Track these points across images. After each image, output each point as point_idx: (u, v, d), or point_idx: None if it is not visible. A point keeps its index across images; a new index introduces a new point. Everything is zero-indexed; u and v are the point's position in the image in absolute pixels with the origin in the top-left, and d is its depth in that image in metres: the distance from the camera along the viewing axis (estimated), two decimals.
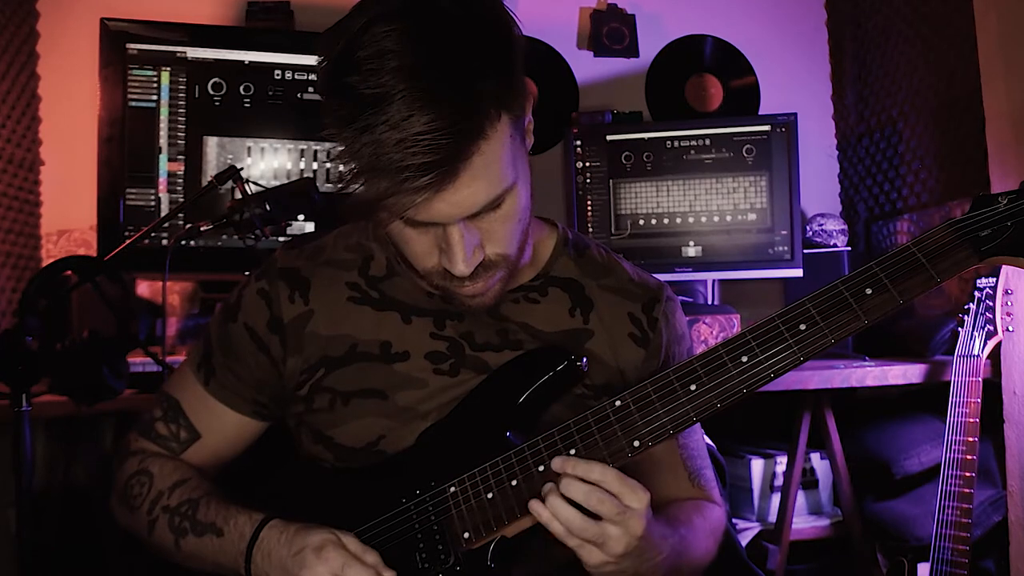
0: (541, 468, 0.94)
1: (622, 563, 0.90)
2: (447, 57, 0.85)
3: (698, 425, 1.06)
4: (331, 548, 0.92)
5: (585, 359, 1.01)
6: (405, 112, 0.83)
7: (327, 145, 2.04)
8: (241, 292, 1.12)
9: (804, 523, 2.13)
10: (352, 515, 1.00)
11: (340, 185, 0.90)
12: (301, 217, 2.00)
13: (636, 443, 0.92)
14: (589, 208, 2.26)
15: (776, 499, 2.15)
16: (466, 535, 0.96)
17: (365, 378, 1.05)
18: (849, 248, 2.23)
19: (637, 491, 0.89)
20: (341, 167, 0.89)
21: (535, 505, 0.90)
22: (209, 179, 1.67)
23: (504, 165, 0.91)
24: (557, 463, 0.91)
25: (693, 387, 0.91)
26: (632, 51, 2.53)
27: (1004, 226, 0.87)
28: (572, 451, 0.93)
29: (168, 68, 1.96)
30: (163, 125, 1.96)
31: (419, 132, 0.82)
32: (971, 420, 1.73)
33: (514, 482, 0.94)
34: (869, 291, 0.88)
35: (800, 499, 2.15)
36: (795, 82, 2.61)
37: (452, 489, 0.97)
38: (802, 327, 0.89)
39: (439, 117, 0.83)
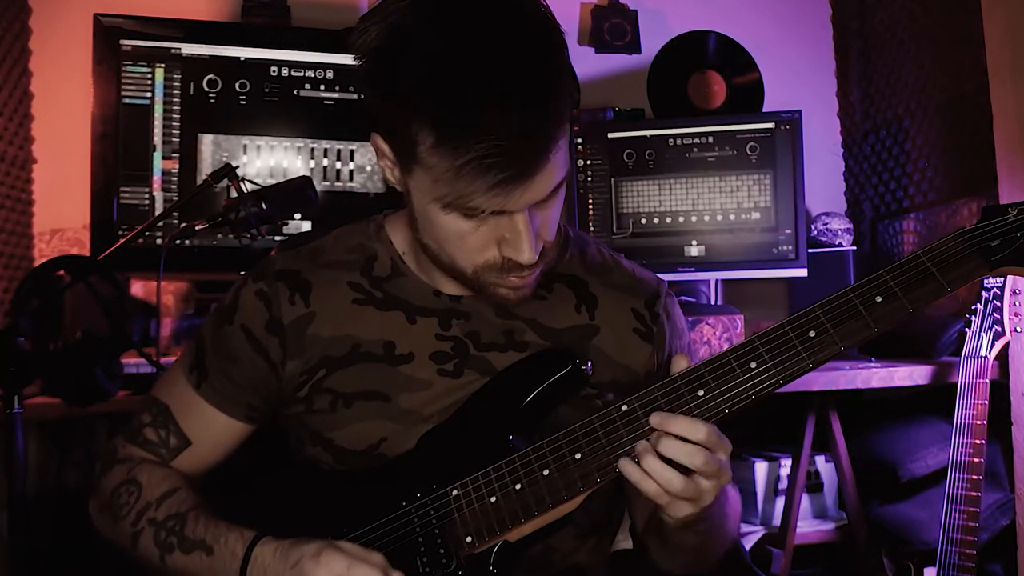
0: (546, 472, 0.93)
1: (704, 512, 0.93)
2: (526, 52, 0.86)
3: None
4: (330, 551, 0.91)
5: (590, 363, 1.01)
6: (502, 113, 0.84)
7: (324, 143, 2.03)
8: (237, 293, 1.10)
9: (809, 527, 2.12)
10: (352, 518, 1.00)
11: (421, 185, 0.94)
12: (298, 216, 1.99)
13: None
14: (590, 207, 2.24)
15: (780, 503, 2.14)
16: (468, 539, 0.96)
17: (367, 379, 1.04)
18: (855, 248, 2.22)
19: (724, 441, 0.91)
20: (399, 169, 0.94)
21: (626, 464, 0.90)
22: (204, 177, 1.67)
23: (568, 151, 0.93)
24: (656, 419, 0.90)
25: (701, 392, 0.91)
26: (634, 47, 2.52)
27: (1014, 237, 0.88)
28: (578, 455, 0.93)
29: (163, 64, 1.95)
30: (157, 122, 1.95)
31: (510, 132, 0.84)
32: (978, 422, 1.72)
33: (518, 486, 0.94)
34: (879, 299, 0.89)
35: (805, 502, 2.14)
36: (799, 79, 2.59)
37: (454, 492, 0.97)
38: (812, 334, 0.90)
39: (529, 117, 0.85)
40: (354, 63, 0.91)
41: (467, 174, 0.86)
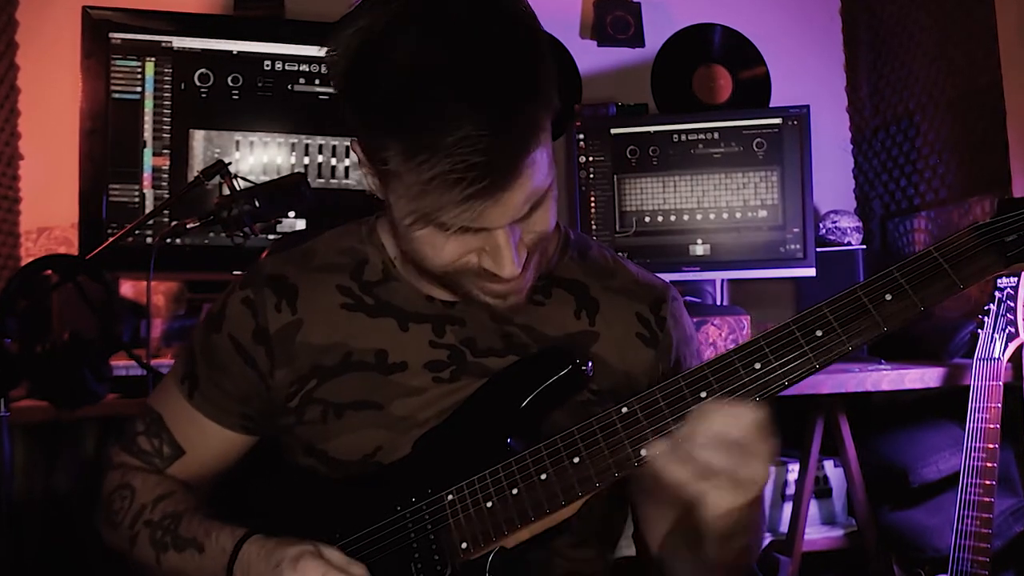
0: (543, 476, 0.91)
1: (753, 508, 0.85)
2: (495, 62, 0.83)
3: None
4: (308, 559, 0.89)
5: (591, 363, 0.99)
6: (468, 126, 0.81)
7: (319, 139, 2.02)
8: (225, 301, 1.09)
9: (817, 533, 2.12)
10: (345, 523, 0.98)
11: (376, 193, 0.96)
12: (292, 214, 1.99)
13: (643, 452, 0.89)
14: (592, 205, 2.22)
15: (788, 508, 2.13)
16: (464, 545, 0.94)
17: (360, 389, 1.02)
18: (864, 246, 2.21)
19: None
20: (377, 178, 0.92)
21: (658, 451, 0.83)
22: (196, 174, 1.66)
23: (549, 162, 0.90)
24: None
25: (703, 394, 0.88)
26: (637, 40, 2.50)
27: None
28: (576, 459, 0.90)
29: (153, 58, 1.95)
30: (148, 118, 1.94)
31: (476, 146, 0.81)
32: (991, 426, 1.70)
33: (515, 491, 0.92)
34: (889, 297, 0.86)
35: (813, 508, 2.13)
36: (808, 73, 2.59)
37: (450, 497, 0.95)
38: (818, 333, 0.86)
39: (496, 129, 0.82)
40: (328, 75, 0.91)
41: (434, 190, 0.84)
